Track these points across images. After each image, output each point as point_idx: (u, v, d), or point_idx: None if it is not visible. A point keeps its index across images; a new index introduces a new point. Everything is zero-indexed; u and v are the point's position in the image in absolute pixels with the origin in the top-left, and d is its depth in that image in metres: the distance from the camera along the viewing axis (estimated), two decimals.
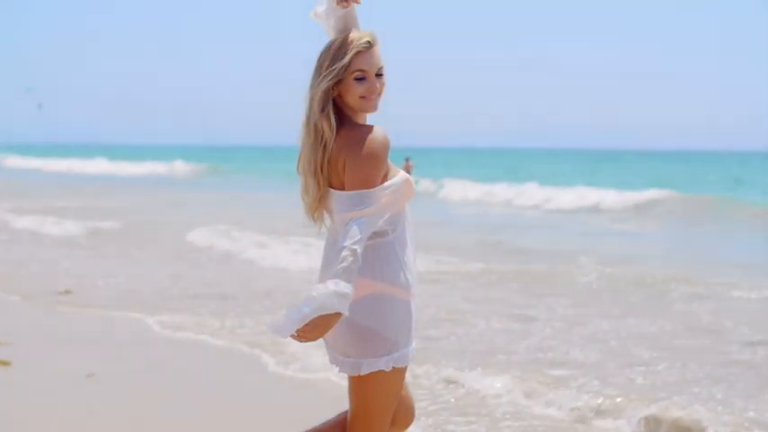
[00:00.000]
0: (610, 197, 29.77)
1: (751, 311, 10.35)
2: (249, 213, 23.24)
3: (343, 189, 3.57)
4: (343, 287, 3.34)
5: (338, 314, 3.36)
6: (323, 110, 3.60)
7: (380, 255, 3.58)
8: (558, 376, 7.44)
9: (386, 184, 3.55)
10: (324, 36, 3.74)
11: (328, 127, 3.59)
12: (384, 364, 3.59)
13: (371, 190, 3.50)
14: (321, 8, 3.72)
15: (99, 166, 65.71)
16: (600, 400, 6.67)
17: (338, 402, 6.37)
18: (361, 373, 3.63)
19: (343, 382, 7.18)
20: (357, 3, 3.67)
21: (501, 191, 34.56)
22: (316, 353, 7.81)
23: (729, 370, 7.76)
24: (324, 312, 3.32)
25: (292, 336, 3.35)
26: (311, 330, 3.35)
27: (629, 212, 26.91)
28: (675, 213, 25.66)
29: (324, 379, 7.31)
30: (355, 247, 3.40)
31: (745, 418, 6.36)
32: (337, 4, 3.65)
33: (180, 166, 63.47)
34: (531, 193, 32.72)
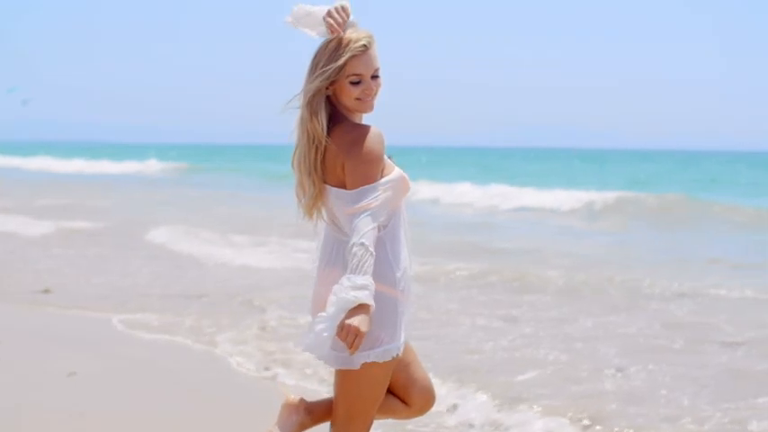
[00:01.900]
0: (579, 197, 29.39)
1: (732, 311, 10.27)
2: (224, 213, 23.08)
3: (342, 187, 3.61)
4: (357, 279, 3.39)
5: (366, 306, 3.39)
6: (313, 111, 3.64)
7: None
8: (525, 381, 7.41)
9: (383, 180, 3.61)
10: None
11: (319, 129, 3.63)
12: (365, 358, 3.63)
13: (373, 184, 3.55)
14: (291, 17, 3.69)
15: (80, 164, 65.30)
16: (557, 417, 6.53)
17: None
18: (345, 367, 3.67)
19: (302, 382, 7.30)
20: (341, 32, 3.63)
21: (465, 191, 33.79)
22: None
23: (705, 372, 7.71)
24: (347, 306, 3.37)
25: (349, 348, 3.39)
26: (348, 332, 3.37)
27: (600, 212, 26.56)
28: (644, 213, 25.43)
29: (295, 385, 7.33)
30: (363, 240, 3.45)
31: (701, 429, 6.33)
32: (328, 31, 3.64)
33: (159, 165, 63.13)
34: (496, 194, 32.18)
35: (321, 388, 7.14)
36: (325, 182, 3.67)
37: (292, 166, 3.73)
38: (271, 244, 15.88)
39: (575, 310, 10.33)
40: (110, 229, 18.58)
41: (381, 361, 3.66)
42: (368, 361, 3.64)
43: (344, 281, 3.40)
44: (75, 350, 8.22)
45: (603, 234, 20.95)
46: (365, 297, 3.38)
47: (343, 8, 3.63)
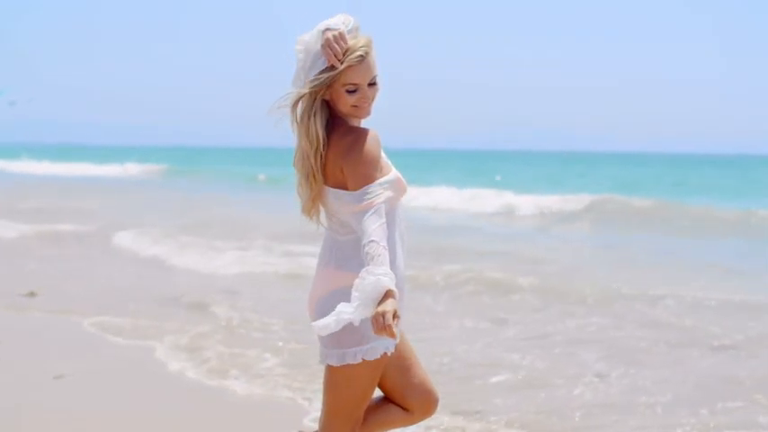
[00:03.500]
0: (555, 201, 28.89)
1: (718, 314, 10.19)
2: (200, 217, 22.77)
3: (342, 188, 3.64)
4: (376, 269, 3.39)
5: (390, 292, 3.38)
6: (306, 117, 3.65)
7: (357, 247, 3.65)
8: (493, 389, 7.28)
9: (382, 180, 3.64)
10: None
11: (315, 136, 3.65)
12: (352, 356, 3.67)
13: (373, 184, 3.59)
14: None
15: (62, 167, 65.00)
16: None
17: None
18: (330, 364, 3.72)
19: (256, 388, 7.28)
20: (338, 65, 3.62)
21: (441, 194, 32.43)
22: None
23: (686, 377, 7.64)
24: (373, 293, 3.37)
25: (387, 333, 3.34)
26: (376, 319, 3.34)
27: (575, 216, 25.84)
28: (623, 217, 24.95)
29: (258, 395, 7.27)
30: (373, 238, 3.48)
31: None
32: (327, 61, 3.63)
33: (139, 168, 63.00)
34: (471, 197, 31.67)
35: (282, 393, 7.14)
36: (325, 183, 3.70)
37: (294, 166, 3.76)
38: (246, 248, 15.67)
39: (555, 315, 10.27)
40: (89, 232, 18.48)
41: (369, 359, 3.68)
42: (354, 359, 3.67)
43: (363, 273, 3.40)
44: (60, 353, 8.28)
45: (579, 237, 20.92)
46: (388, 282, 3.38)
47: (341, 35, 3.62)
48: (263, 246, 15.82)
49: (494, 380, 7.53)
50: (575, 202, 28.16)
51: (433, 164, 78.84)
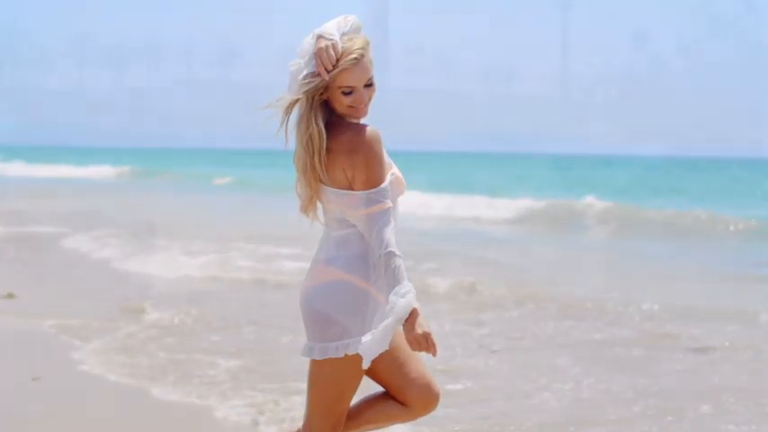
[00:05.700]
0: (521, 205, 28.53)
1: (702, 318, 10.14)
2: (168, 220, 22.10)
3: (344, 188, 3.64)
4: (400, 288, 3.47)
5: (415, 310, 3.49)
6: (306, 120, 3.64)
7: (346, 243, 3.68)
8: (448, 394, 6.79)
9: (386, 182, 3.66)
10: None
11: (316, 137, 3.63)
12: (334, 349, 3.66)
13: (384, 185, 3.62)
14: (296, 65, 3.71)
15: (35, 169, 64.48)
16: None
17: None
18: (313, 357, 3.72)
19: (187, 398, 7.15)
20: (326, 77, 3.63)
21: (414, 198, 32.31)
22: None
23: (665, 381, 7.57)
24: (403, 315, 3.47)
25: (432, 352, 3.49)
26: (419, 342, 3.48)
27: (535, 220, 25.48)
28: (586, 222, 24.66)
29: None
30: (389, 249, 3.53)
31: None
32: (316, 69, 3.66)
33: (113, 170, 62.67)
34: (437, 200, 31.49)
35: (212, 402, 6.99)
36: (325, 183, 3.67)
37: (293, 163, 3.73)
38: (215, 252, 15.35)
39: (528, 320, 10.16)
40: (59, 234, 18.16)
41: (351, 353, 3.65)
42: (336, 353, 3.67)
43: (393, 298, 3.48)
44: (38, 355, 8.35)
45: (549, 241, 20.94)
46: (413, 300, 3.48)
47: (333, 46, 3.62)
48: (235, 249, 15.66)
49: (449, 387, 7.25)
50: (548, 205, 27.99)
51: (419, 166, 78.39)
